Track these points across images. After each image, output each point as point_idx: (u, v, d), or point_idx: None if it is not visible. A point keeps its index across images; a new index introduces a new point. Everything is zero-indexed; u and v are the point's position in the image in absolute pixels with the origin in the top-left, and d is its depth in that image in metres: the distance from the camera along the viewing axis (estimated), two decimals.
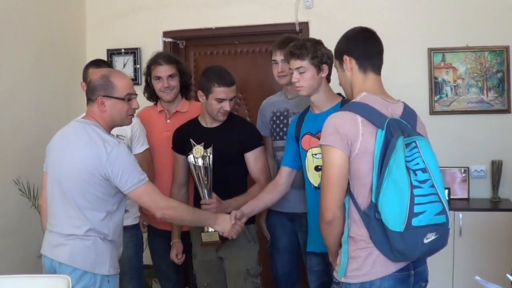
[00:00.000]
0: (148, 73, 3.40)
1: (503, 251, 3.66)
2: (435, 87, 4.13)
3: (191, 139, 2.95)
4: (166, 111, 3.42)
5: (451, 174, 4.05)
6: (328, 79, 2.79)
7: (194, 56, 4.69)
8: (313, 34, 4.11)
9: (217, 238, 2.89)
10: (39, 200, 2.88)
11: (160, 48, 4.45)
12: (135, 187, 2.43)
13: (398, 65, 4.12)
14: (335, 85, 2.64)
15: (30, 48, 4.06)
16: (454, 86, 4.11)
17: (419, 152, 2.03)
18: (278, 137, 3.27)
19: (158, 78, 3.33)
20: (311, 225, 2.82)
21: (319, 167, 2.70)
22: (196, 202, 3.04)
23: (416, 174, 2.00)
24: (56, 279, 2.37)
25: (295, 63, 2.72)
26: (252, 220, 3.04)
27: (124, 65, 4.60)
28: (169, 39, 4.57)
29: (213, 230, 2.88)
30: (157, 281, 3.79)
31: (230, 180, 3.02)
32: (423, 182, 2.00)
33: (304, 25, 4.29)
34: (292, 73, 2.77)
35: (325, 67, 2.74)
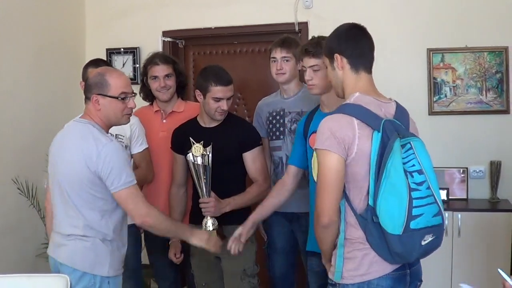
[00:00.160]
0: (145, 73, 3.40)
1: (501, 251, 3.67)
2: (434, 88, 4.12)
3: (190, 138, 2.95)
4: (162, 111, 3.43)
5: (449, 174, 4.04)
6: None
7: (193, 56, 4.69)
8: (312, 34, 4.08)
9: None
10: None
11: (159, 47, 4.45)
12: (121, 188, 2.39)
13: (398, 66, 4.13)
14: None
15: (29, 48, 4.06)
16: (453, 86, 4.11)
17: (414, 153, 2.02)
18: (274, 137, 3.26)
19: (155, 77, 3.34)
20: (313, 225, 2.80)
21: None
22: (195, 202, 3.04)
23: (413, 176, 1.99)
24: (54, 279, 2.37)
25: (310, 61, 2.67)
26: None
27: (124, 65, 4.61)
28: (169, 39, 4.57)
29: (211, 229, 2.88)
30: (155, 281, 3.78)
31: (228, 179, 3.02)
32: (420, 184, 1.99)
33: (303, 25, 4.29)
34: (305, 71, 2.70)
35: None
